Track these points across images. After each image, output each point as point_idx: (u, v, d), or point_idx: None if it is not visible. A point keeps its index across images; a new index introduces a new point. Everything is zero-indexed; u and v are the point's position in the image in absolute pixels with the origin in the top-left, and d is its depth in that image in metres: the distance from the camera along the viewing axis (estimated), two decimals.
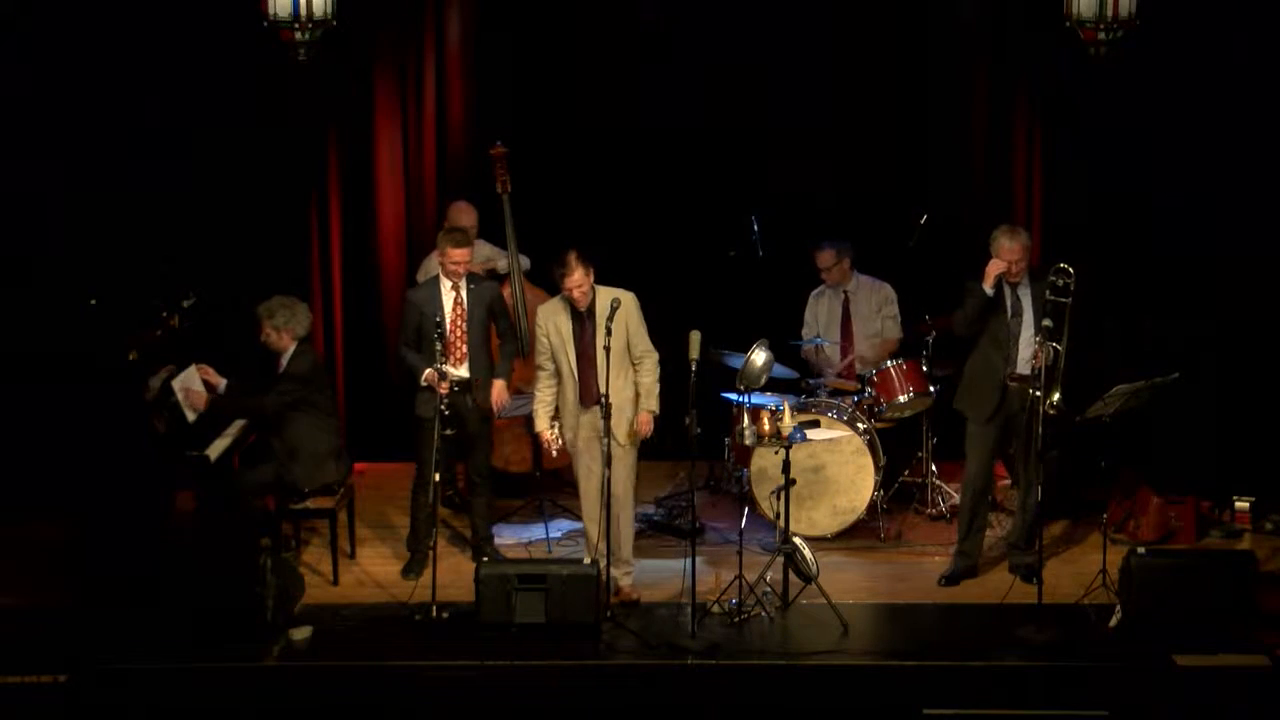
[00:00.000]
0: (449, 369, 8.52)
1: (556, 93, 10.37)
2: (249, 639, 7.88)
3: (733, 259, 9.98)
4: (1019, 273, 8.38)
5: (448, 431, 8.29)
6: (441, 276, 8.69)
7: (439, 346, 8.36)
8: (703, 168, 10.37)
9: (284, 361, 8.69)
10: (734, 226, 10.01)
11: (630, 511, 8.41)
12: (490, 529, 9.01)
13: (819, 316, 9.85)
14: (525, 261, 9.75)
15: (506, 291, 9.65)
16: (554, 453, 8.35)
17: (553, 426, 8.31)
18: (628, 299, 8.19)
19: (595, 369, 8.14)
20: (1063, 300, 8.19)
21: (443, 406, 8.24)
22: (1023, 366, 8.37)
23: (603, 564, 8.14)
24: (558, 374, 8.26)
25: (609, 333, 8.03)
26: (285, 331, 8.68)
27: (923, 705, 7.44)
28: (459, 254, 8.64)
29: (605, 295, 8.16)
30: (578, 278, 8.08)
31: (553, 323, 8.21)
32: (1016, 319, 8.38)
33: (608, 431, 8.06)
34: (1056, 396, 8.14)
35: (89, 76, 9.91)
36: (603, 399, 8.05)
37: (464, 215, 9.58)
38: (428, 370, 8.42)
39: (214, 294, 9.55)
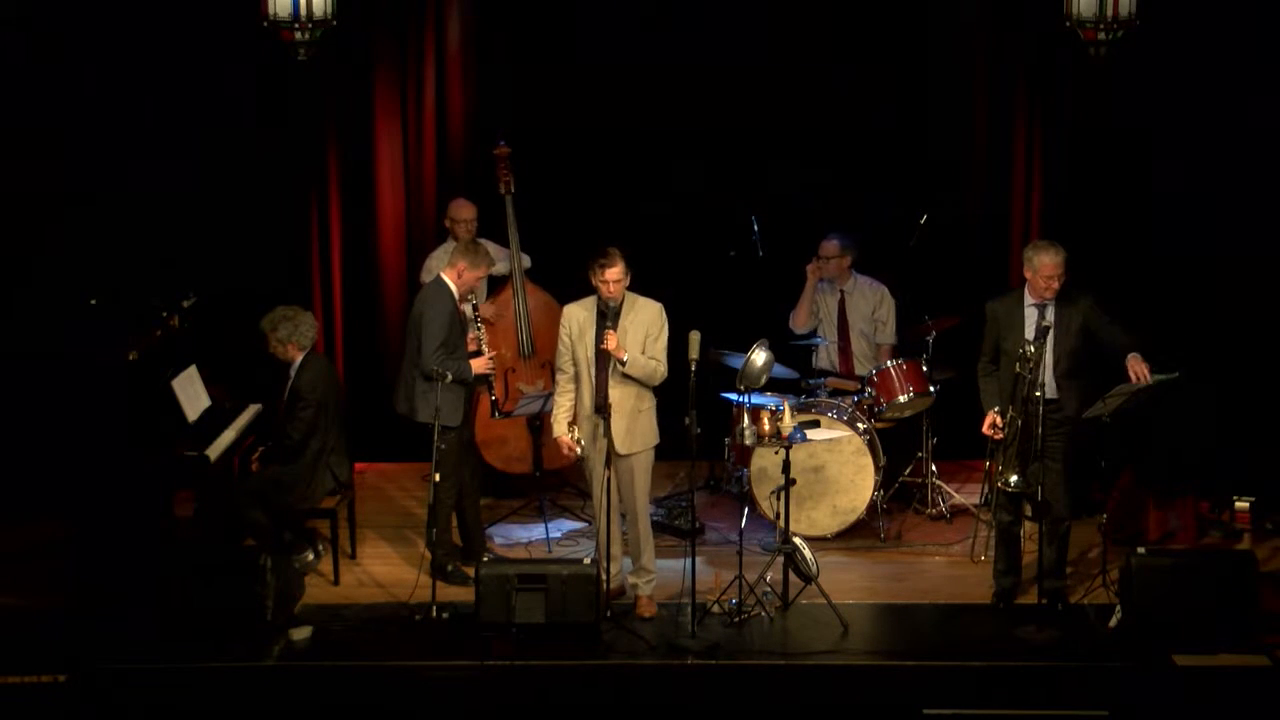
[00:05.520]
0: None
1: (556, 93, 10.37)
2: (249, 639, 7.88)
3: (733, 259, 9.98)
4: (1057, 289, 8.07)
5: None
6: (455, 287, 8.63)
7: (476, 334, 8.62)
8: (703, 168, 10.37)
9: (292, 373, 8.69)
10: (734, 226, 10.02)
11: (647, 518, 8.37)
12: (483, 530, 9.03)
13: (818, 311, 9.86)
14: (526, 260, 9.76)
15: (507, 292, 9.70)
16: (578, 453, 8.28)
17: (570, 431, 8.28)
18: (656, 308, 8.16)
19: (608, 372, 8.12)
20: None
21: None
22: (1050, 391, 8.08)
23: (603, 564, 8.15)
24: (576, 379, 8.24)
25: (608, 327, 8.04)
26: (290, 344, 8.66)
27: (923, 705, 7.44)
28: (487, 271, 8.83)
29: (636, 302, 8.13)
30: (616, 272, 8.02)
31: (578, 321, 8.15)
32: (1039, 342, 7.99)
33: (608, 432, 8.06)
34: (1014, 478, 8.04)
35: (89, 76, 9.91)
36: (604, 403, 8.05)
37: (466, 209, 9.66)
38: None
39: (214, 294, 9.56)
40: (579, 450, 8.22)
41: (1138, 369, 8.03)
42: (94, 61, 9.92)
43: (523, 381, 9.63)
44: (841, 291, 9.82)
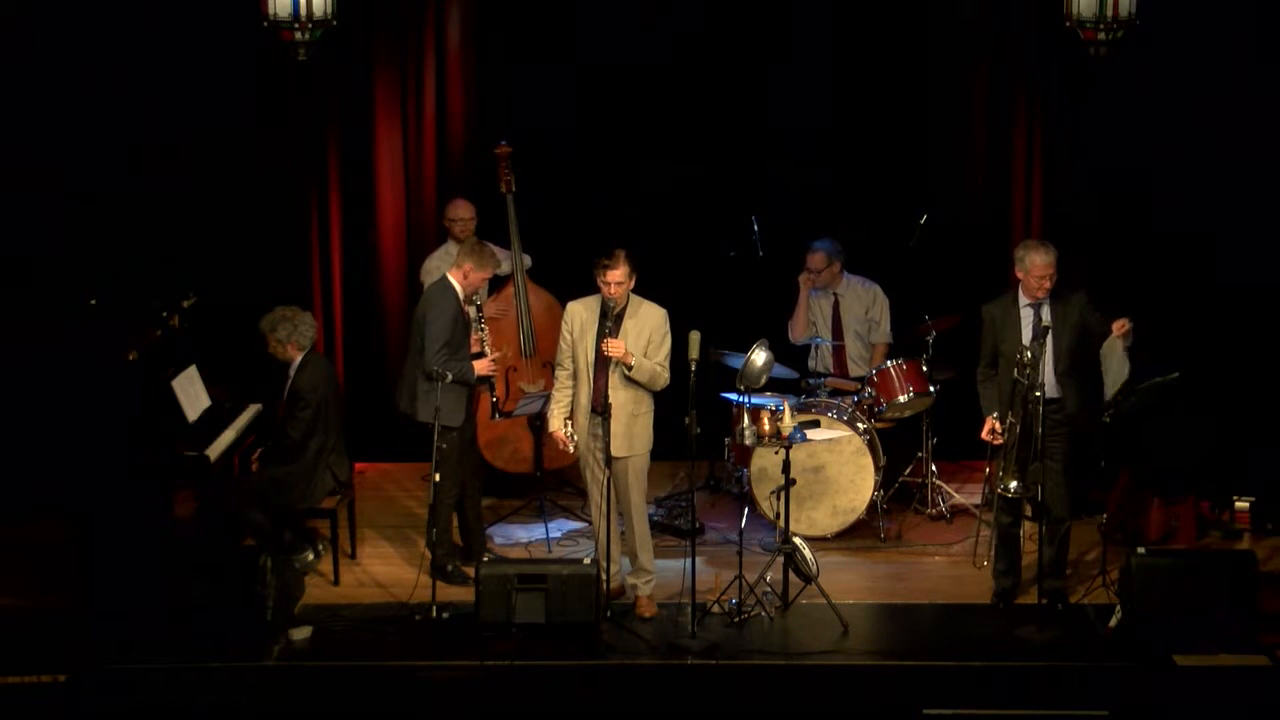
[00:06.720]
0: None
1: (556, 93, 10.37)
2: (249, 639, 7.88)
3: (733, 259, 9.98)
4: (1049, 288, 8.08)
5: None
6: (459, 287, 8.63)
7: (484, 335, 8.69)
8: (703, 168, 10.37)
9: (291, 373, 8.69)
10: (734, 226, 10.02)
11: (644, 518, 8.38)
12: (484, 530, 9.03)
13: (812, 316, 9.87)
14: (526, 260, 9.76)
15: (508, 291, 9.70)
16: (571, 449, 8.30)
17: (566, 426, 8.28)
18: (660, 315, 8.16)
19: (608, 374, 8.12)
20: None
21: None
22: (1050, 390, 8.07)
23: (603, 564, 8.15)
24: (575, 376, 8.24)
25: (609, 330, 8.04)
26: (290, 344, 8.67)
27: (923, 705, 7.44)
28: (493, 272, 8.87)
29: (640, 306, 8.13)
30: (619, 274, 8.00)
31: (580, 319, 8.15)
32: (1038, 342, 7.99)
33: (607, 432, 8.06)
34: (1014, 484, 8.04)
35: (89, 77, 9.91)
36: (604, 405, 8.05)
37: (463, 209, 9.66)
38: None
39: (214, 294, 9.56)
40: (573, 446, 8.23)
41: (1121, 321, 8.06)
42: (94, 61, 9.92)
43: (524, 381, 9.63)
44: (835, 295, 9.83)
